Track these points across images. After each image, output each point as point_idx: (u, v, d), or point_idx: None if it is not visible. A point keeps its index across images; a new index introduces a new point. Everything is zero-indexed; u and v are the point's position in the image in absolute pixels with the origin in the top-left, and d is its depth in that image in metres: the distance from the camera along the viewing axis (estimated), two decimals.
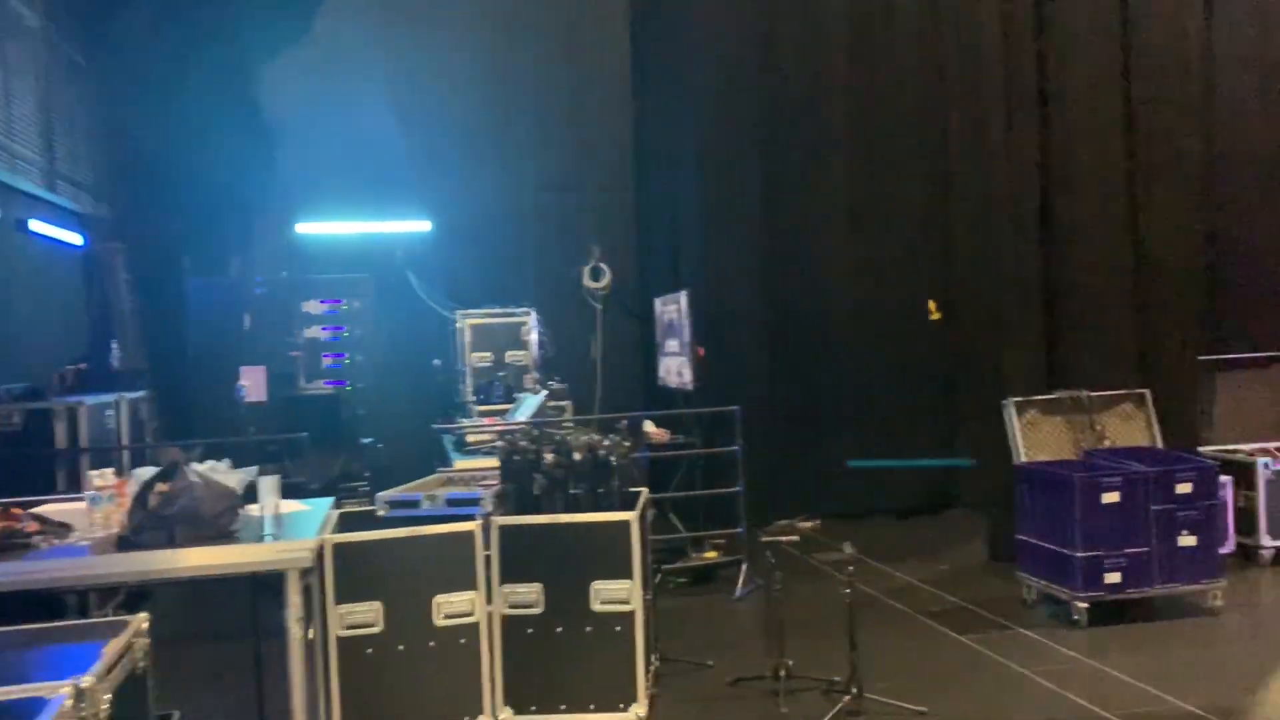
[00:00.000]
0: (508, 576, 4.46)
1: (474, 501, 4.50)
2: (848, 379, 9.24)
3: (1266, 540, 6.93)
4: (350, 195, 9.31)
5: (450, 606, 4.35)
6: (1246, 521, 6.94)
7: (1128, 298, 7.30)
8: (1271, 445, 7.42)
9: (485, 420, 7.20)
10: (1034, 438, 6.75)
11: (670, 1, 9.60)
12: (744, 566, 6.89)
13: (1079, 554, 5.82)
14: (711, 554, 7.35)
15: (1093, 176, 7.29)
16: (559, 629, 4.46)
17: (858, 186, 9.37)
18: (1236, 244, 7.90)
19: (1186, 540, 5.91)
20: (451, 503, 4.54)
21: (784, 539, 5.24)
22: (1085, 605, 5.81)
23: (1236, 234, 7.88)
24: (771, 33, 9.26)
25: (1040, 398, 6.86)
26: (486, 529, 4.45)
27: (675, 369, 8.08)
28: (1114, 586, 5.84)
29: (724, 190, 9.15)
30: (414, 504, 4.54)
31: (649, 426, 7.68)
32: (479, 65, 9.59)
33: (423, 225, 9.68)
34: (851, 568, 4.82)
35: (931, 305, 9.46)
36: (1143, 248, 7.34)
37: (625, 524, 4.49)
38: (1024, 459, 6.59)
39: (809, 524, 9.15)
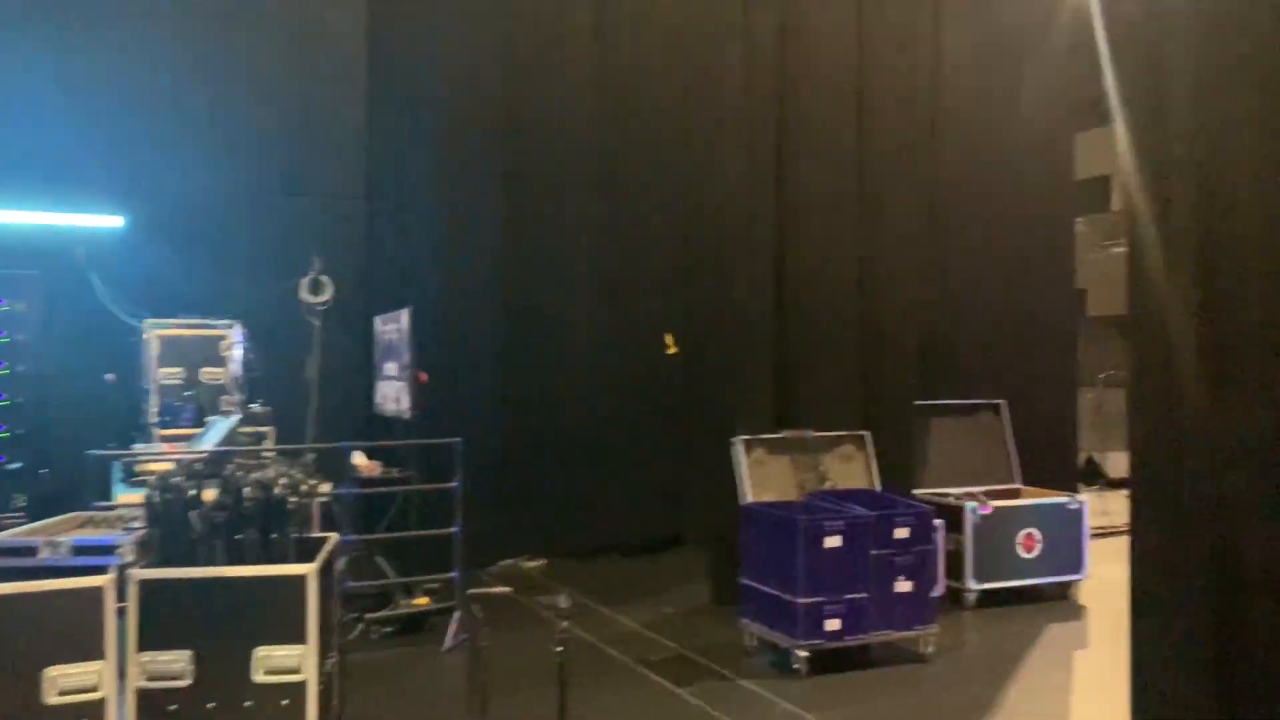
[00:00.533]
0: (148, 642, 3.68)
1: (109, 549, 3.69)
2: (583, 411, 8.89)
3: (972, 584, 7.12)
4: (22, 181, 8.02)
5: (67, 681, 3.52)
6: (955, 565, 7.10)
7: (853, 341, 7.38)
8: (978, 489, 7.70)
9: (165, 447, 6.25)
10: (760, 477, 6.61)
11: (411, 6, 8.99)
12: (456, 615, 6.30)
13: (801, 600, 5.67)
14: (423, 600, 6.71)
15: (824, 223, 7.33)
16: (211, 704, 3.71)
17: (601, 214, 9.10)
18: (953, 296, 8.20)
19: (903, 586, 5.90)
20: (79, 550, 3.71)
21: (494, 591, 4.69)
22: (806, 654, 5.65)
23: (953, 288, 8.19)
24: (514, 45, 8.84)
25: (768, 436, 6.75)
26: (123, 584, 3.65)
27: (393, 395, 7.41)
28: (834, 634, 5.72)
29: (461, 208, 8.60)
30: (28, 551, 3.66)
31: (359, 458, 6.97)
32: (195, 54, 8.56)
33: (114, 220, 8.48)
34: (566, 623, 4.36)
35: (668, 339, 9.31)
36: (868, 293, 7.45)
37: (299, 579, 3.81)
38: (750, 499, 6.42)
39: (535, 564, 8.77)
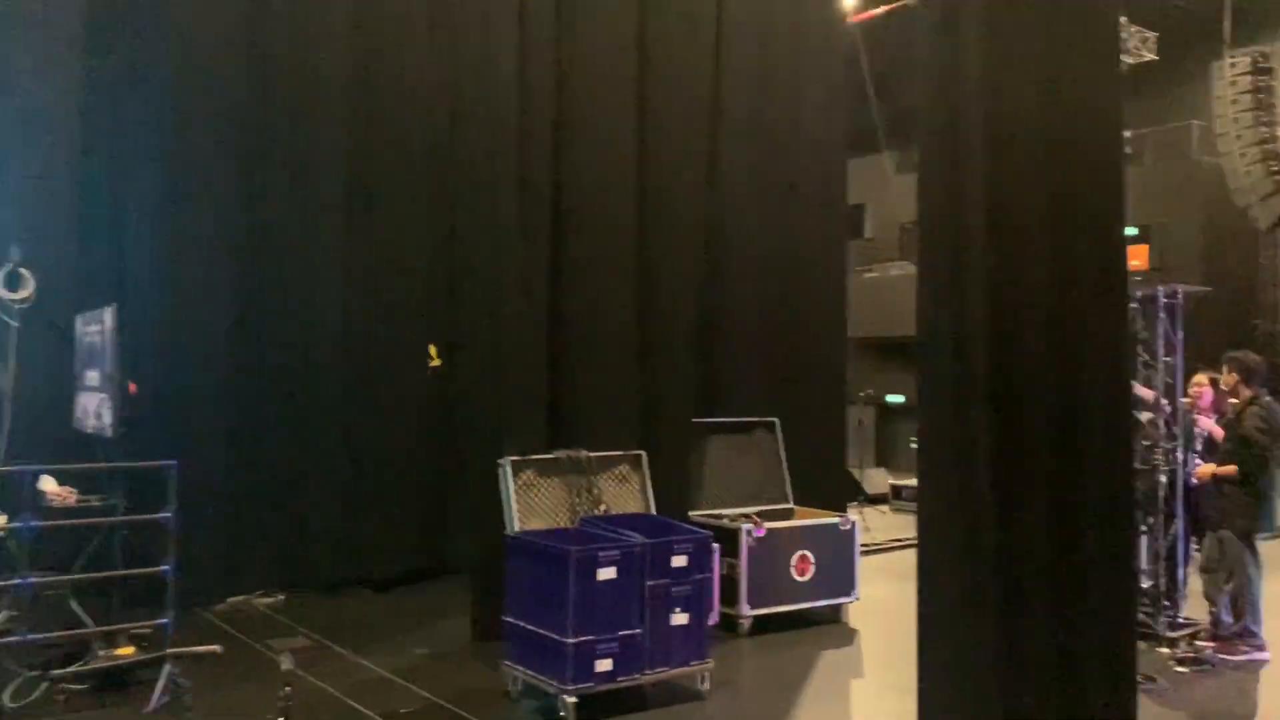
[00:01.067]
0: None
1: None
2: (330, 428, 7.98)
3: (747, 609, 6.82)
4: None
5: None
6: (729, 590, 6.77)
7: (630, 357, 6.94)
8: (752, 510, 7.45)
9: None
10: (529, 501, 6.03)
11: None
12: (165, 668, 5.31)
13: (571, 639, 5.12)
14: (127, 650, 5.66)
15: (600, 236, 6.85)
16: None
17: (356, 212, 8.23)
18: (728, 313, 7.96)
19: (679, 619, 5.47)
20: None
21: (198, 650, 3.86)
22: (574, 700, 5.10)
23: (728, 305, 7.94)
24: (256, 35, 7.85)
25: (539, 457, 6.18)
26: None
27: (94, 408, 6.28)
28: (605, 675, 5.20)
29: (188, 194, 7.51)
30: None
31: (48, 484, 5.84)
32: None
33: None
34: (289, 687, 3.60)
35: (432, 351, 8.58)
36: (645, 308, 7.05)
37: None
38: (517, 527, 5.83)
39: (269, 601, 7.78)
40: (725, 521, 7.11)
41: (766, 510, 7.54)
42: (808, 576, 7.10)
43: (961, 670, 4.17)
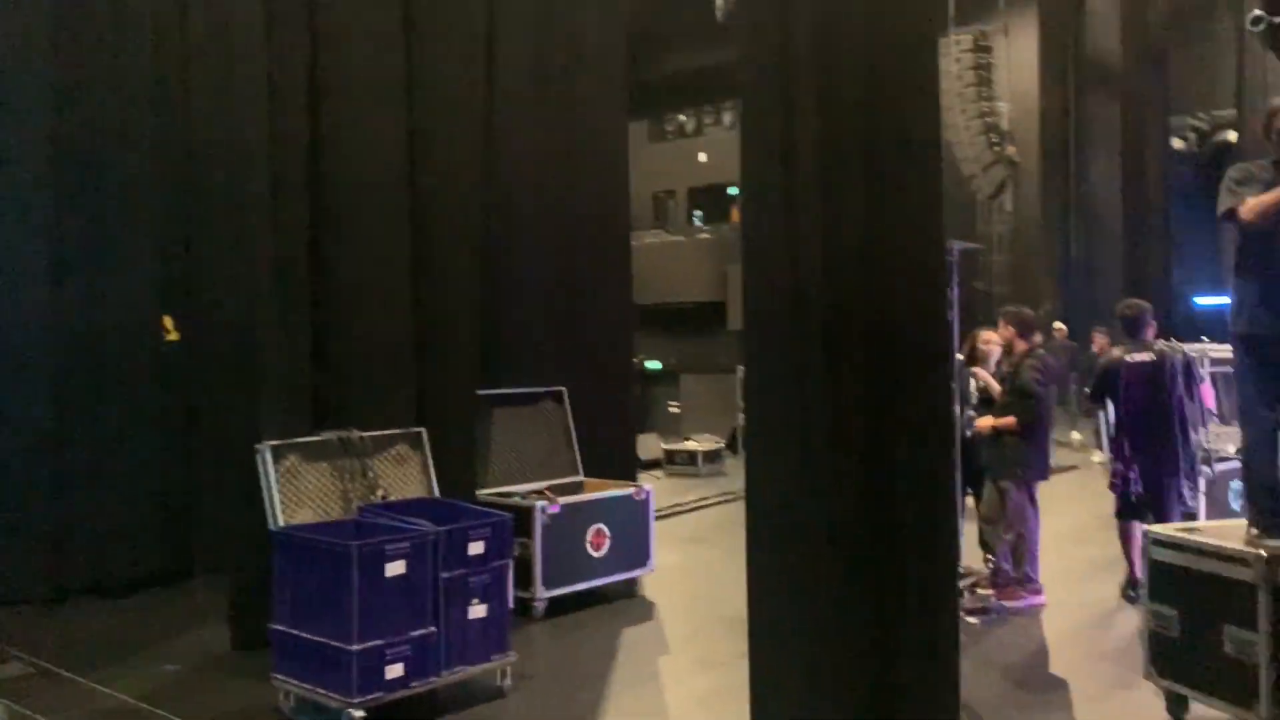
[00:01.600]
0: None
1: None
2: (41, 414, 6.80)
3: (542, 592, 6.38)
4: None
5: None
6: (523, 572, 6.29)
7: (405, 325, 6.27)
8: (542, 485, 7.01)
9: None
10: (295, 491, 5.29)
11: None
12: None
13: (355, 646, 4.49)
14: None
15: (368, 197, 6.11)
16: None
17: (69, 165, 7.01)
18: (510, 281, 7.41)
19: (477, 611, 4.95)
20: None
21: None
22: (361, 714, 4.49)
23: (511, 273, 7.39)
24: None
25: (304, 440, 5.44)
26: None
27: None
28: (396, 682, 4.61)
29: None
30: None
31: None
32: None
33: None
34: None
35: (168, 323, 7.52)
36: (422, 272, 6.39)
37: None
38: (282, 520, 5.10)
39: None
40: (516, 499, 6.63)
41: (557, 484, 7.12)
42: (603, 551, 6.75)
43: (791, 642, 3.93)
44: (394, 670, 4.60)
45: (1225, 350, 12.35)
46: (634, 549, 6.94)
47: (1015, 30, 20.39)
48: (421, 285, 6.36)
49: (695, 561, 8.10)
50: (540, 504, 6.43)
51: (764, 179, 3.98)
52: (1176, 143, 21.87)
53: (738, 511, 10.64)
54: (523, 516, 6.33)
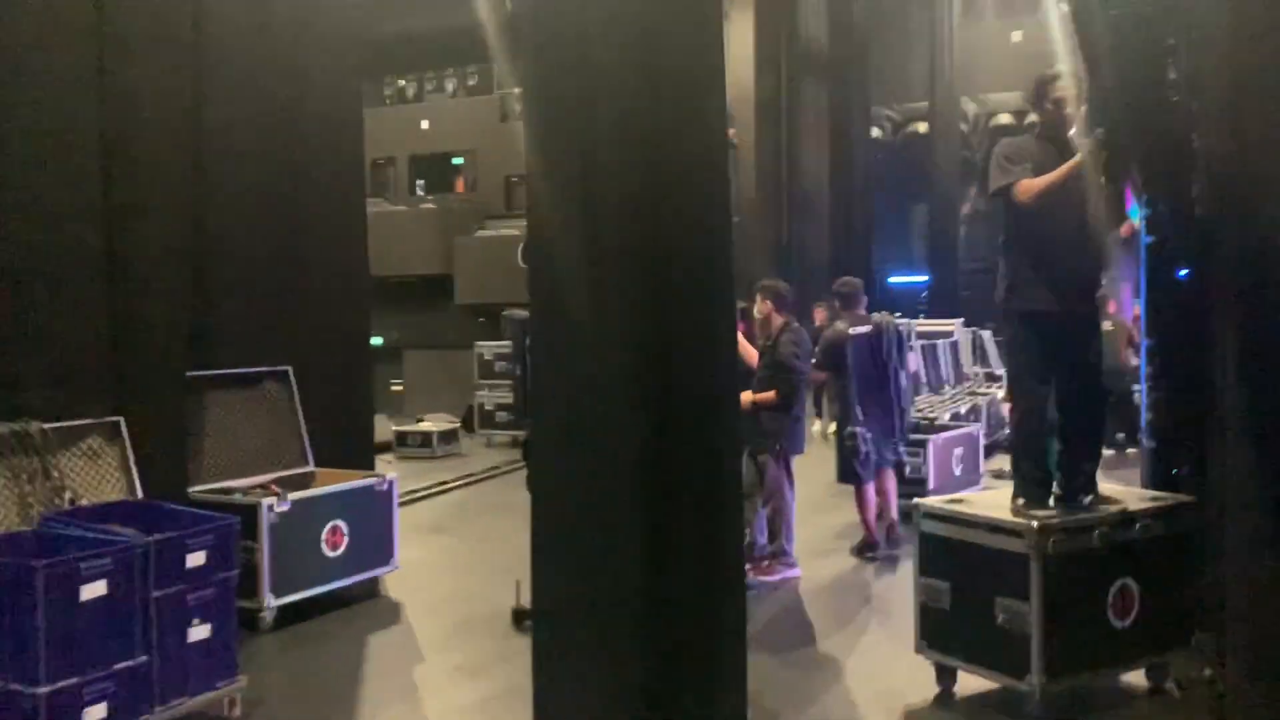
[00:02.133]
0: None
1: None
2: None
3: (270, 600, 5.61)
4: None
5: None
6: (248, 580, 5.48)
7: (98, 297, 5.26)
8: (267, 479, 6.21)
9: None
10: None
11: None
12: None
13: (43, 689, 3.64)
14: None
15: (47, 174, 5.05)
16: None
17: None
18: (226, 253, 6.46)
19: (198, 633, 4.20)
20: None
21: None
22: None
23: (226, 244, 6.44)
24: None
25: None
26: None
27: None
28: None
29: None
30: None
31: None
32: None
33: None
34: None
35: None
36: (118, 240, 5.39)
37: None
38: None
39: None
40: (237, 496, 5.81)
41: (285, 476, 6.34)
42: (341, 550, 6.06)
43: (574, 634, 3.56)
44: (95, 712, 3.79)
45: (930, 325, 13.43)
46: (376, 545, 6.30)
47: (734, 16, 20.99)
48: (116, 252, 5.37)
49: (440, 554, 7.53)
50: (268, 501, 5.65)
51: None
52: (875, 132, 23.45)
53: (479, 495, 10.21)
54: (247, 516, 5.51)
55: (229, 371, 6.32)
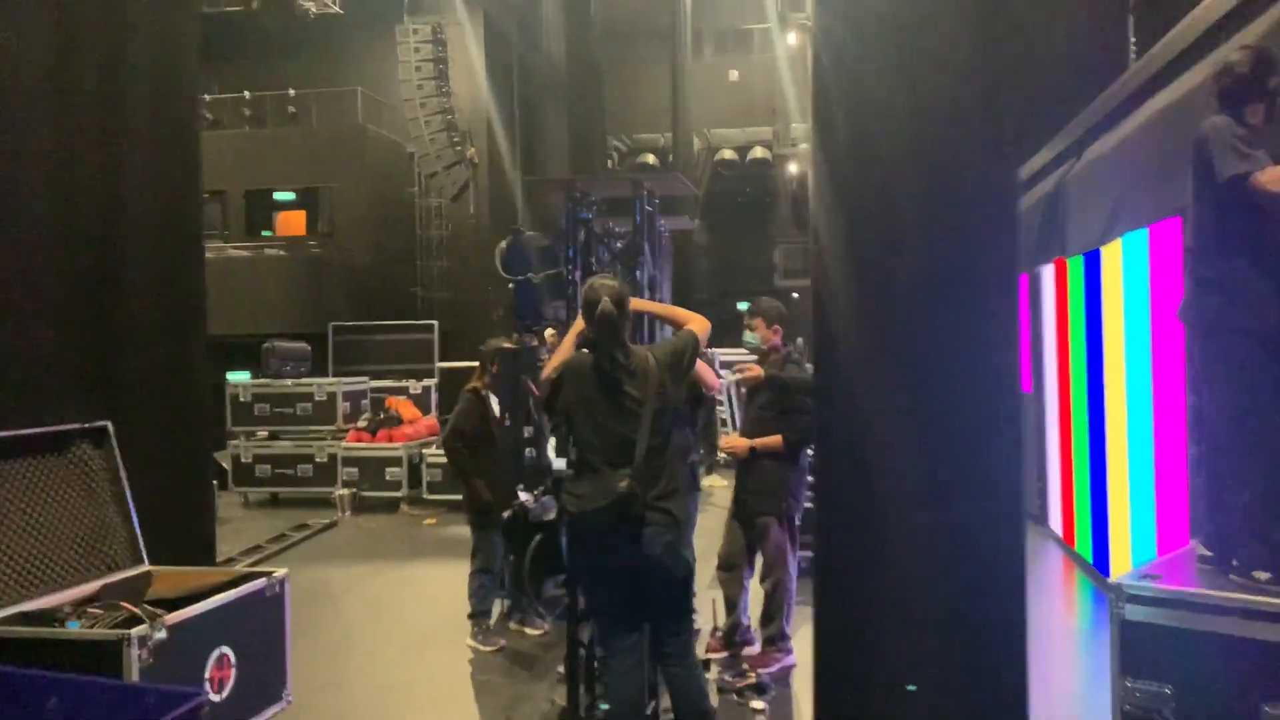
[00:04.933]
0: None
1: None
2: None
3: None
4: None
5: None
6: None
7: None
8: (90, 588, 4.17)
9: None
10: None
11: None
12: None
13: None
14: None
15: None
16: None
17: None
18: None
19: None
20: None
21: None
22: None
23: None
24: None
25: None
26: None
27: None
28: None
29: None
30: None
31: None
32: None
33: None
34: None
35: None
36: None
37: None
38: None
39: None
40: (75, 628, 3.75)
41: (114, 583, 4.30)
42: (228, 690, 4.14)
43: None
44: None
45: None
46: (267, 672, 4.42)
47: (464, 28, 19.71)
48: None
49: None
50: (137, 633, 3.67)
51: None
52: (608, 162, 23.03)
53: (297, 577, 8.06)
54: (102, 658, 3.55)
55: (23, 433, 4.19)
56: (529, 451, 4.81)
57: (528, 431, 4.85)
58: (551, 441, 4.86)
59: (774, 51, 23.94)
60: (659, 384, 3.65)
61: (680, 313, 4.04)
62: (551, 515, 4.83)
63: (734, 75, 25.10)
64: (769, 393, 5.23)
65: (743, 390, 6.01)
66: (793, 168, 23.93)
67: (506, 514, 5.20)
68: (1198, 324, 3.63)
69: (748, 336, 5.34)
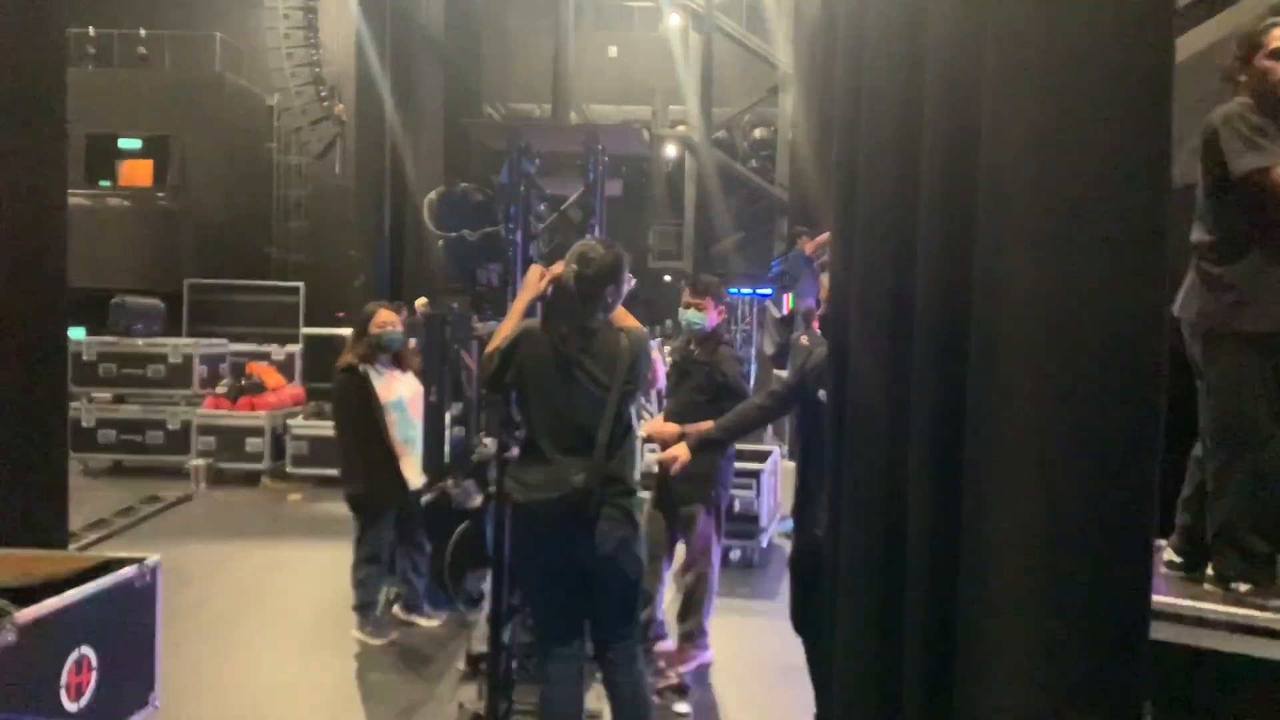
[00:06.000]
0: None
1: None
2: None
3: None
4: None
5: None
6: None
7: None
8: None
9: None
10: None
11: None
12: None
13: None
14: None
15: None
16: None
17: None
18: None
19: None
20: None
21: None
22: None
23: None
24: None
25: None
26: None
27: None
28: None
29: None
30: None
31: None
32: None
33: None
34: None
35: None
36: None
37: None
38: None
39: None
40: None
41: None
42: (88, 697, 3.54)
43: None
44: None
45: None
46: (133, 674, 3.82)
47: None
48: None
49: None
50: None
51: None
52: None
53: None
54: None
55: None
56: (456, 430, 4.33)
57: (455, 409, 4.36)
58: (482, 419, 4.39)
59: (655, 31, 23.64)
60: (629, 368, 3.26)
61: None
62: (477, 502, 4.37)
63: (613, 51, 24.69)
64: (701, 377, 4.89)
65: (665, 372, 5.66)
66: (670, 149, 23.70)
67: (427, 499, 4.70)
68: (1200, 324, 3.44)
69: (692, 316, 4.98)
